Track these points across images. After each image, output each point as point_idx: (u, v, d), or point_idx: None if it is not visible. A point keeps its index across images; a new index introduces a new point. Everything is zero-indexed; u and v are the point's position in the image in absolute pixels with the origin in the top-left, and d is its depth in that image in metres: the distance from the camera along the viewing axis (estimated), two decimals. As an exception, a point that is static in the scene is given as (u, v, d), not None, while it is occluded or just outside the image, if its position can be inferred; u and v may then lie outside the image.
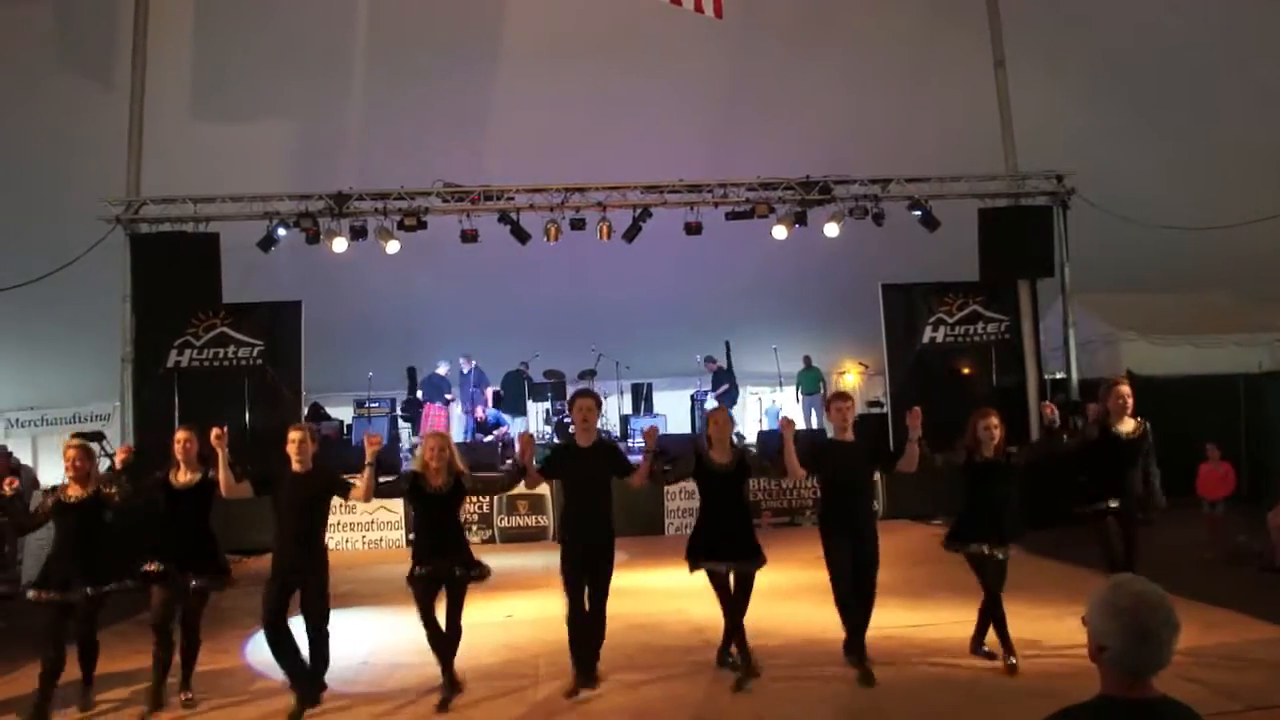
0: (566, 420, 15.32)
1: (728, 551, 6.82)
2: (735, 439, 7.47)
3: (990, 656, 6.95)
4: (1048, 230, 14.82)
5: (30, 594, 6.63)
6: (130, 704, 6.84)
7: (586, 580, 6.75)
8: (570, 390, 16.82)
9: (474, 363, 17.68)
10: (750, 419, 20.40)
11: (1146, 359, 15.44)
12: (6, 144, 16.10)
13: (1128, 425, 7.42)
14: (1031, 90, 15.60)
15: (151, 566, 6.70)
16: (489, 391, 17.99)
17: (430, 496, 6.77)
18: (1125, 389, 7.44)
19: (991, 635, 7.00)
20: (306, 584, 6.59)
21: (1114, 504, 7.36)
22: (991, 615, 6.97)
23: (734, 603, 6.82)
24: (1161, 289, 17.12)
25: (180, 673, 6.83)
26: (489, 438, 16.82)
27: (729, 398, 17.88)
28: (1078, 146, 15.80)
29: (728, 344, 18.43)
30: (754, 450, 13.64)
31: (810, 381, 19.14)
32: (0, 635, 7.82)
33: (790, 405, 19.09)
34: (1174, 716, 2.43)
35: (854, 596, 6.93)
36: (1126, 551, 7.31)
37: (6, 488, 6.68)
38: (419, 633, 6.73)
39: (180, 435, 6.97)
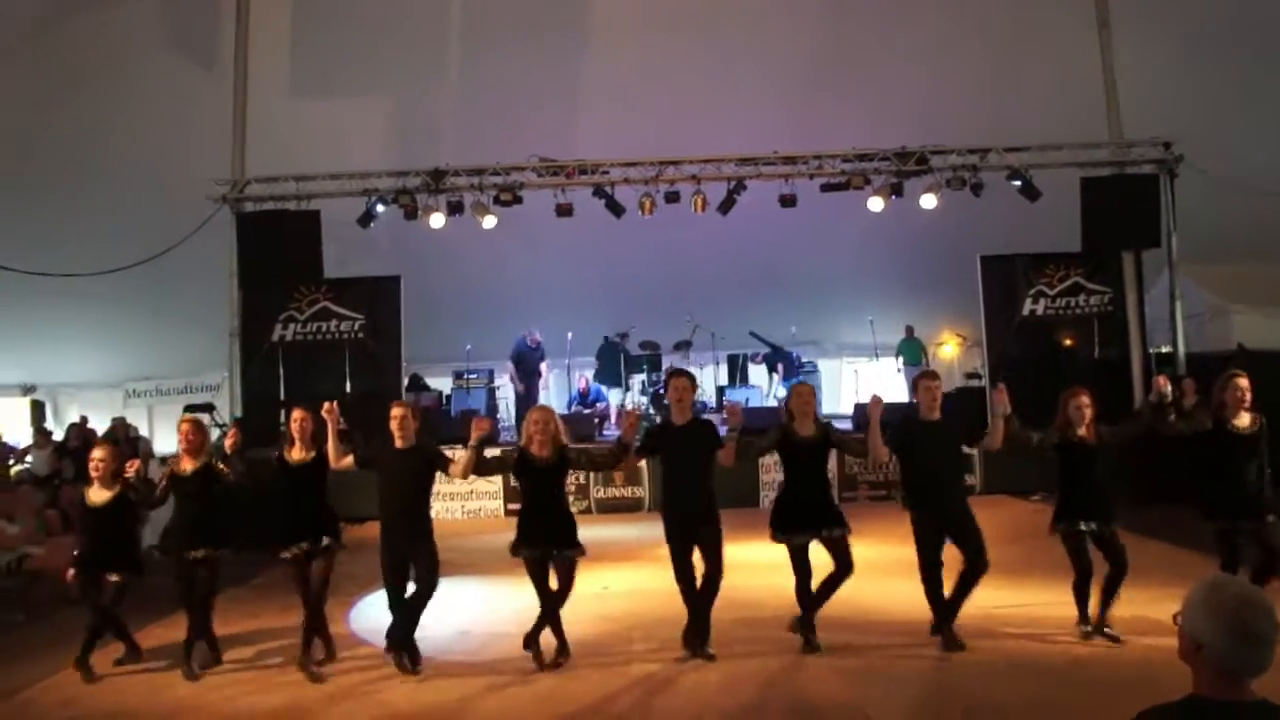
0: (662, 392, 15.38)
1: (810, 522, 6.93)
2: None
3: (1113, 638, 6.87)
4: (1154, 199, 14.35)
5: (157, 554, 7.06)
6: (255, 664, 7.20)
7: (696, 550, 6.93)
8: (666, 363, 16.89)
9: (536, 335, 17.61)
10: (847, 390, 20.15)
11: (1259, 333, 14.83)
12: (120, 130, 16.72)
13: (1244, 420, 7.07)
14: (1136, 52, 15.07)
15: (287, 554, 7.08)
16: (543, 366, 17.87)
17: (535, 470, 6.94)
18: (1244, 382, 7.09)
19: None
20: (417, 557, 6.85)
21: (1245, 523, 6.97)
22: (1108, 586, 6.93)
23: (839, 562, 6.90)
24: (1276, 258, 16.43)
25: (311, 634, 7.13)
26: (588, 410, 16.95)
27: (790, 373, 17.77)
28: (1186, 111, 15.20)
29: (751, 333, 18.37)
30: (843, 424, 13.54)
31: (912, 352, 18.89)
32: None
33: (890, 375, 18.86)
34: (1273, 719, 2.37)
35: (939, 579, 6.99)
36: (1268, 556, 6.88)
37: (130, 470, 7.12)
38: (517, 603, 6.93)
39: (296, 414, 7.31)
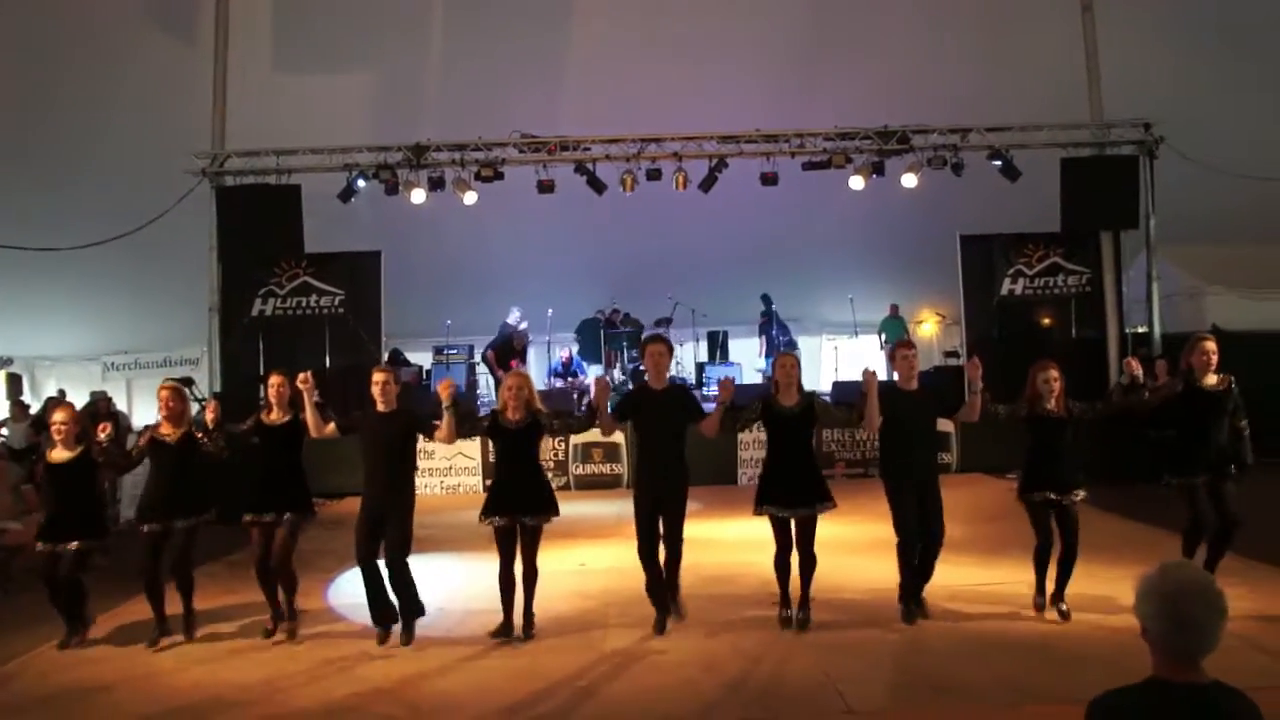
0: (641, 369, 15.42)
1: (793, 496, 6.97)
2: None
3: (1063, 615, 6.97)
4: (1133, 180, 14.41)
5: (143, 527, 7.07)
6: (234, 636, 7.26)
7: (660, 518, 6.97)
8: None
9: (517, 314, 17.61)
10: (826, 367, 20.29)
11: (1234, 313, 14.98)
12: (99, 103, 16.60)
13: (1211, 380, 7.23)
14: (1118, 34, 15.12)
15: (249, 518, 7.13)
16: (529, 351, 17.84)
17: (507, 432, 6.99)
18: (1210, 344, 7.25)
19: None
20: (390, 515, 6.90)
21: (1204, 477, 7.12)
22: (1060, 564, 7.00)
23: (800, 549, 6.98)
24: (1252, 240, 16.53)
25: (285, 606, 7.27)
26: (564, 385, 16.95)
27: (773, 346, 17.95)
28: (1166, 93, 15.27)
29: (764, 296, 18.47)
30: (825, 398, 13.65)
31: (895, 330, 18.97)
32: (101, 572, 8.20)
33: (872, 354, 18.97)
34: (1225, 701, 2.45)
35: (918, 547, 7.08)
36: (1220, 515, 7.08)
37: (101, 434, 7.15)
38: (495, 579, 6.96)
39: (273, 380, 7.39)
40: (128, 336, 19.97)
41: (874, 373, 7.17)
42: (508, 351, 16.62)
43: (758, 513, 7.04)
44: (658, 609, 7.07)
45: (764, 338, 18.67)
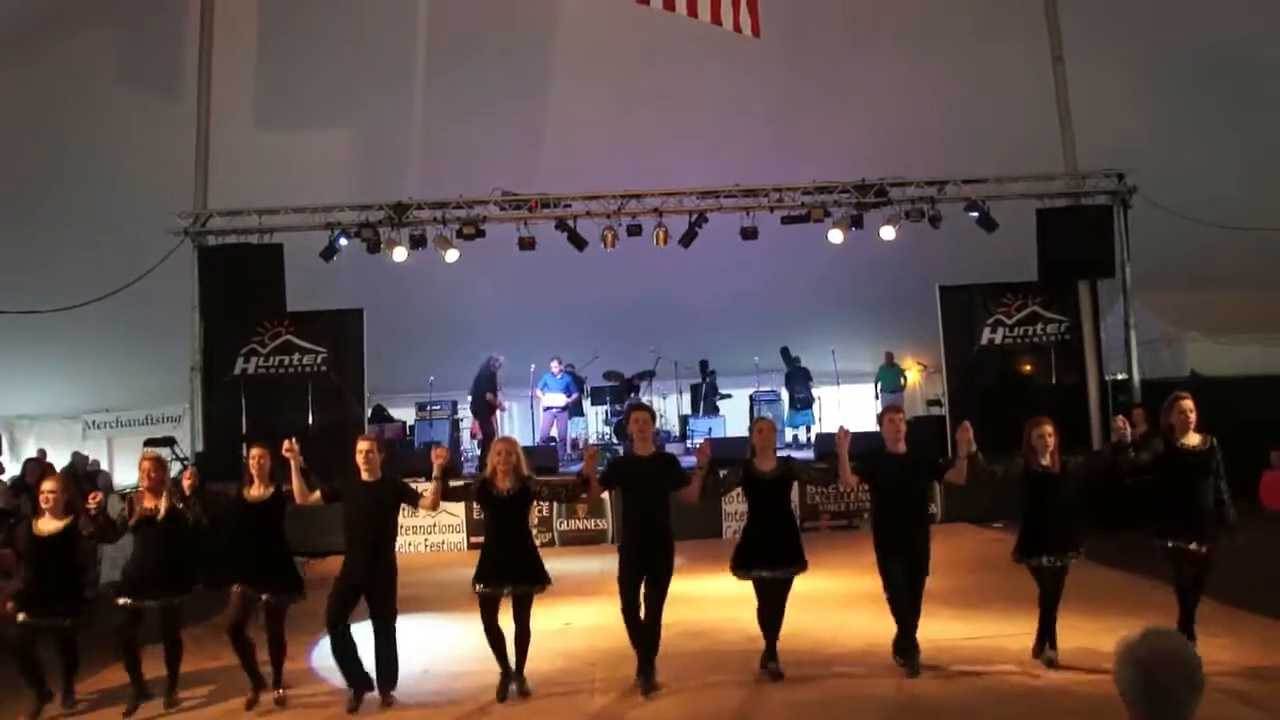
0: (624, 423, 15.46)
1: (771, 559, 7.10)
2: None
3: (1050, 663, 6.97)
4: (1108, 230, 14.59)
5: (120, 600, 7.02)
6: (211, 701, 7.16)
7: (646, 583, 6.99)
8: (630, 399, 16.94)
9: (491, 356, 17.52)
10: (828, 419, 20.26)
11: (1212, 359, 15.14)
12: (80, 162, 16.60)
13: (1193, 439, 7.22)
14: (1090, 87, 15.38)
15: (235, 588, 7.04)
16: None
17: (498, 500, 7.00)
18: (1188, 403, 7.26)
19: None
20: (375, 587, 6.87)
21: (1192, 545, 7.05)
22: (1044, 614, 7.07)
23: (774, 605, 7.12)
24: (1228, 286, 16.71)
25: (272, 673, 7.17)
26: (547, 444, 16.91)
27: (802, 400, 18.23)
28: (1138, 143, 15.56)
29: (784, 349, 18.59)
30: (797, 459, 13.73)
31: (890, 379, 19.07)
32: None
33: (854, 402, 19.03)
34: None
35: (906, 602, 7.09)
36: (1194, 585, 7.07)
37: (92, 503, 7.08)
38: (480, 640, 6.92)
39: (254, 452, 7.24)
40: (109, 395, 19.83)
41: (846, 431, 7.29)
42: (490, 387, 16.71)
43: (740, 576, 7.16)
44: (641, 659, 7.05)
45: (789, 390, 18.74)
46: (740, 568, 7.18)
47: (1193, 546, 7.05)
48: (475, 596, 6.96)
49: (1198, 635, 6.51)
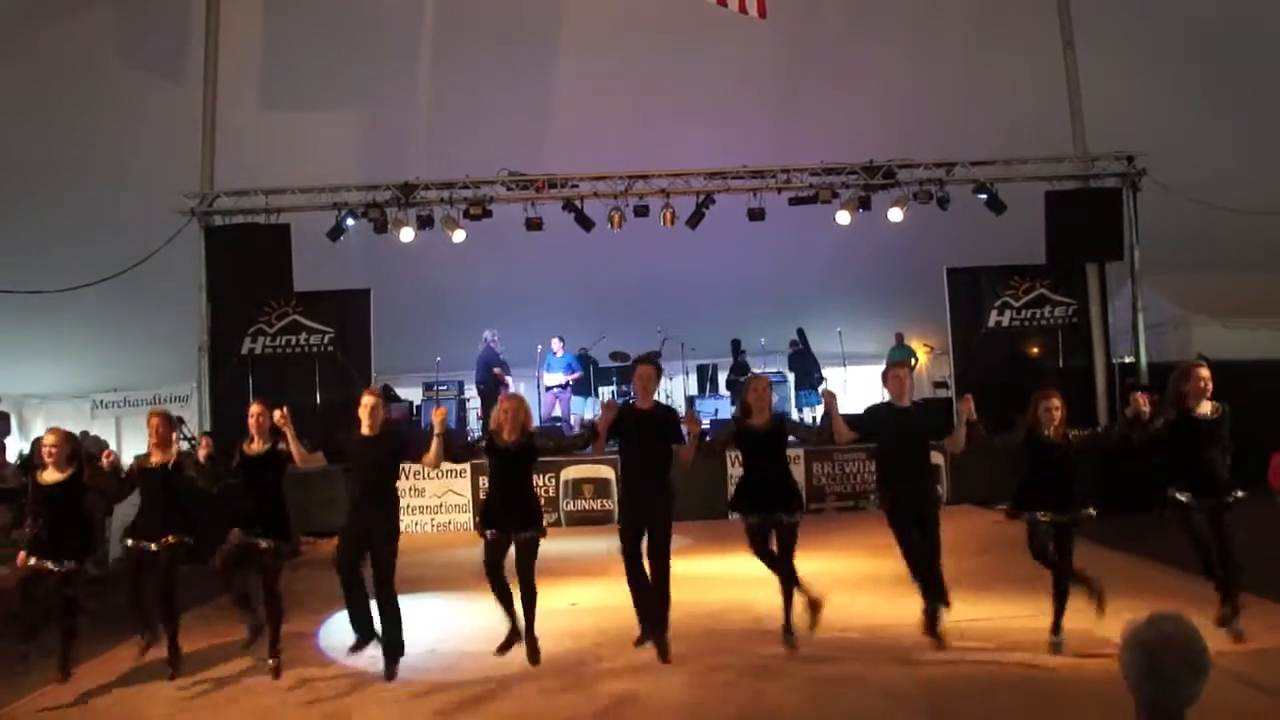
0: (631, 400, 15.46)
1: (766, 502, 7.15)
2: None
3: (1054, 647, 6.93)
4: (1117, 212, 14.51)
5: (126, 543, 7.29)
6: (225, 682, 7.17)
7: (645, 537, 7.07)
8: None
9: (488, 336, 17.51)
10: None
11: (1219, 343, 15.07)
12: (88, 143, 16.57)
13: (1206, 408, 7.18)
14: (1100, 69, 15.27)
15: (234, 531, 7.28)
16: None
17: (502, 452, 7.07)
18: (1205, 371, 7.19)
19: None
20: (375, 535, 7.00)
21: (1186, 495, 7.09)
22: (1054, 589, 7.01)
23: (779, 557, 7.14)
24: (1236, 270, 16.67)
25: (269, 637, 7.25)
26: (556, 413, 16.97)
27: (807, 380, 18.19)
28: (1148, 125, 15.47)
29: (800, 331, 18.56)
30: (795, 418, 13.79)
31: (902, 358, 19.06)
32: (90, 616, 8.13)
33: (858, 383, 19.01)
34: None
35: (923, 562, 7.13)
36: (1221, 547, 7.02)
37: (105, 460, 7.30)
38: (487, 619, 6.94)
39: (253, 410, 7.43)
40: (116, 374, 19.90)
41: (831, 393, 7.59)
42: (497, 363, 16.85)
43: (732, 514, 7.36)
44: (642, 622, 7.11)
45: (794, 372, 18.74)
46: (736, 508, 7.34)
47: (1186, 496, 7.09)
48: (481, 569, 7.03)
49: (1201, 619, 6.46)
